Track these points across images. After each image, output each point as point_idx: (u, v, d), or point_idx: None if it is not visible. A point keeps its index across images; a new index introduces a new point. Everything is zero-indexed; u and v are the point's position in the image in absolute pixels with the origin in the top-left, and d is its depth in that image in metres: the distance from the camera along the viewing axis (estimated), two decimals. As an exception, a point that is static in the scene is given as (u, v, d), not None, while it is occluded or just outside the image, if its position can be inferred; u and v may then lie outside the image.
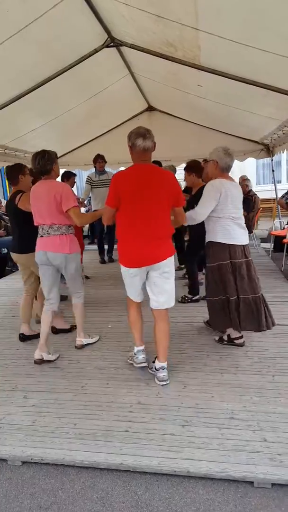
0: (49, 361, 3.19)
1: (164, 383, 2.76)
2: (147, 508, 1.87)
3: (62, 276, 3.30)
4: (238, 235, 3.10)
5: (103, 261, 6.65)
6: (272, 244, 6.75)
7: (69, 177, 5.35)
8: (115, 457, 2.11)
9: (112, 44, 4.23)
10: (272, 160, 7.61)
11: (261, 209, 7.50)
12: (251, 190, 7.14)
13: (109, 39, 4.14)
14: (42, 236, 3.15)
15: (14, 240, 3.68)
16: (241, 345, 3.26)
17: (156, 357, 2.86)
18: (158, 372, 2.80)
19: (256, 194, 7.12)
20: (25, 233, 3.47)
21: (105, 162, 6.22)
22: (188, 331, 3.62)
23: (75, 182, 5.62)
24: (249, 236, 7.47)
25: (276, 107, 4.51)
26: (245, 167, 10.45)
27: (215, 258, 3.14)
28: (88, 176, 6.31)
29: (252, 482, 1.95)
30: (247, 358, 3.06)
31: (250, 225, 6.89)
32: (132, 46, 4.17)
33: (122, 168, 2.95)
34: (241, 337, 3.27)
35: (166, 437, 2.23)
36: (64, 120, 5.83)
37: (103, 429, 2.33)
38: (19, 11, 3.02)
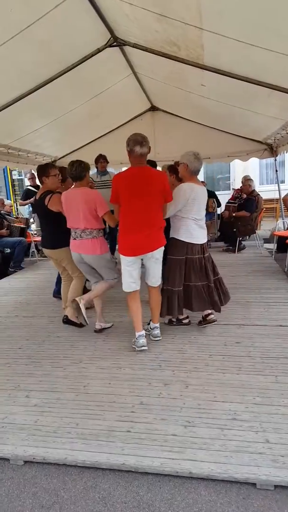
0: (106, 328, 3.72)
1: (158, 338, 3.41)
2: (149, 508, 1.87)
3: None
4: (198, 235, 3.45)
5: None
6: (275, 245, 6.71)
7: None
8: (117, 457, 2.11)
9: (115, 43, 4.21)
10: (275, 160, 7.58)
11: (264, 209, 7.46)
12: (254, 190, 7.11)
13: (112, 38, 4.13)
14: (75, 239, 3.47)
15: (46, 236, 3.96)
16: (188, 323, 3.76)
17: (150, 320, 3.50)
18: (153, 331, 3.45)
19: (259, 194, 7.10)
20: (56, 230, 3.73)
21: (107, 162, 6.13)
22: (190, 332, 3.62)
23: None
24: (252, 236, 7.45)
25: (280, 106, 4.49)
26: (248, 167, 10.44)
27: (171, 253, 3.48)
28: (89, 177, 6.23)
29: (254, 484, 1.94)
30: (249, 358, 3.06)
31: (253, 226, 6.88)
32: (135, 46, 4.16)
33: (124, 169, 3.16)
34: (187, 317, 3.77)
35: (168, 437, 2.23)
36: (67, 120, 5.82)
37: (105, 429, 2.33)
38: (21, 11, 3.02)
